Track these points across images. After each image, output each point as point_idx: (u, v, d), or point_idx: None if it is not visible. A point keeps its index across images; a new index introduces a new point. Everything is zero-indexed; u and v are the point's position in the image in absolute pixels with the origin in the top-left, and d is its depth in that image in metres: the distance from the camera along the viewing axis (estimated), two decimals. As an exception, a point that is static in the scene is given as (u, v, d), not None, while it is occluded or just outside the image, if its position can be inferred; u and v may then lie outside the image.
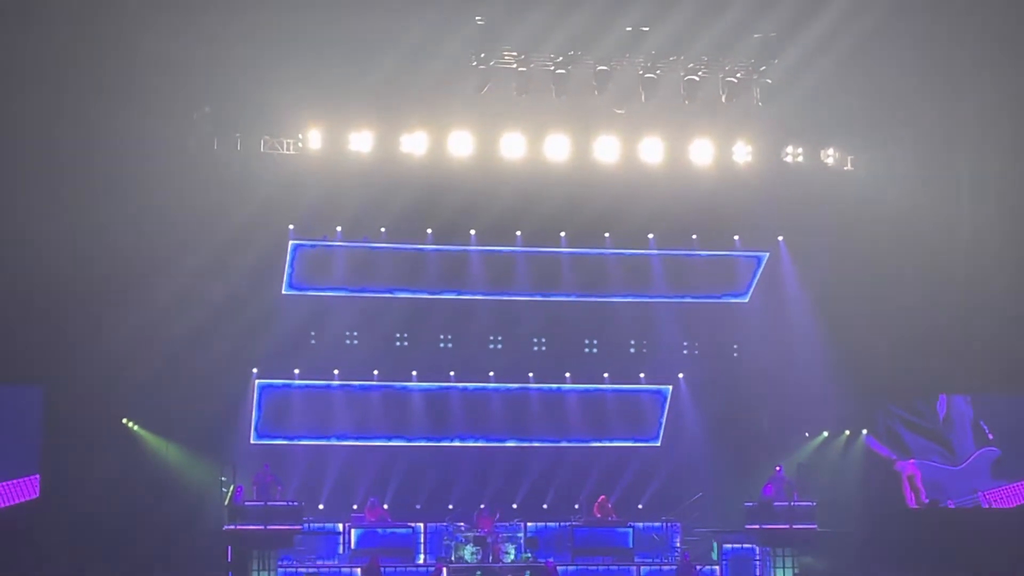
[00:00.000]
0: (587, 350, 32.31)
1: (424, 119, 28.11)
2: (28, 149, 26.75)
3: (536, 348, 32.11)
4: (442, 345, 31.67)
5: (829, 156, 29.91)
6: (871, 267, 30.23)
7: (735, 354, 32.39)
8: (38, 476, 28.13)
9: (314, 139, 28.09)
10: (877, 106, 28.65)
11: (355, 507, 30.33)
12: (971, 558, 29.11)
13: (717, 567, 29.73)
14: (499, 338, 31.89)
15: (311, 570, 28.49)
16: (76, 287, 27.61)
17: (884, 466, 31.39)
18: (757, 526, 28.45)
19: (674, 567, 29.03)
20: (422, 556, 29.90)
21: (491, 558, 28.82)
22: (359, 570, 28.08)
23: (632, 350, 32.41)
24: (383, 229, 30.17)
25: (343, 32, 25.61)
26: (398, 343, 31.40)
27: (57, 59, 25.75)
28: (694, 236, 31.21)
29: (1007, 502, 30.55)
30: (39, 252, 27.13)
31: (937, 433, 31.20)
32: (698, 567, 28.95)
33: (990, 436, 31.02)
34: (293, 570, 28.14)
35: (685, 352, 32.44)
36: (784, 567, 28.44)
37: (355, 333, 31.10)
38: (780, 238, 31.54)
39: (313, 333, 30.87)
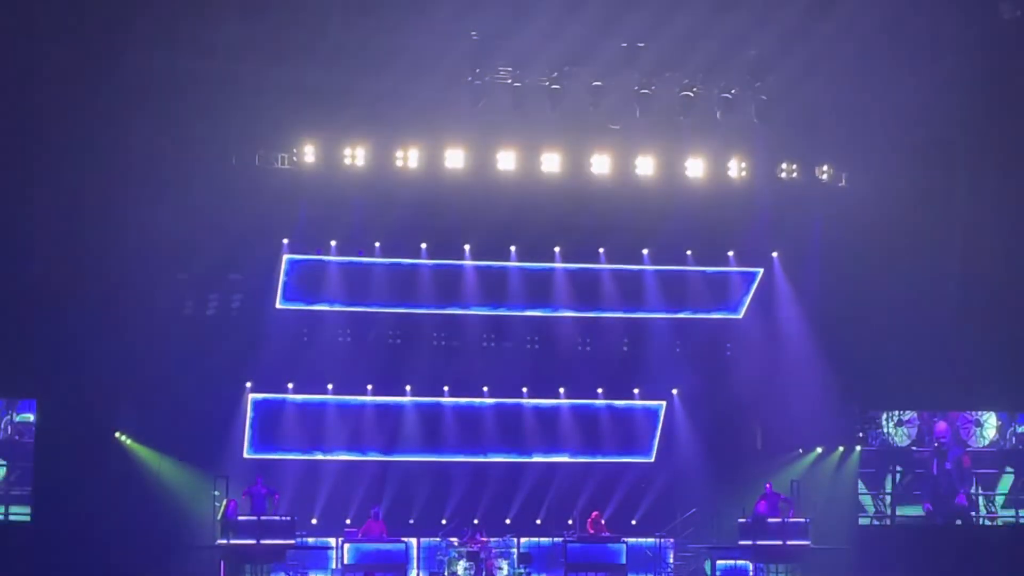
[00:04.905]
0: (581, 365, 32.23)
1: (419, 134, 28.05)
2: (22, 163, 26.71)
3: (530, 363, 32.05)
4: (436, 360, 31.60)
5: (824, 173, 29.87)
6: (865, 284, 30.20)
7: (729, 370, 32.33)
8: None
9: (308, 154, 28.05)
10: (872, 123, 28.63)
11: (348, 521, 30.27)
12: (966, 574, 29.14)
13: (711, 584, 29.79)
14: (493, 353, 31.85)
15: (304, 585, 28.53)
16: (71, 300, 27.50)
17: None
18: (750, 542, 28.45)
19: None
20: (415, 571, 29.88)
21: (484, 574, 28.79)
22: (352, 585, 28.07)
23: (626, 366, 32.37)
24: (377, 244, 30.22)
25: (338, 47, 25.61)
26: (392, 358, 31.33)
27: (50, 74, 25.69)
28: (688, 252, 31.25)
29: None
30: (33, 265, 27.12)
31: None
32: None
33: None
34: (286, 585, 28.18)
35: (679, 368, 32.40)
36: (777, 583, 28.50)
37: (349, 348, 31.05)
38: (774, 254, 31.58)
39: (307, 348, 30.83)
